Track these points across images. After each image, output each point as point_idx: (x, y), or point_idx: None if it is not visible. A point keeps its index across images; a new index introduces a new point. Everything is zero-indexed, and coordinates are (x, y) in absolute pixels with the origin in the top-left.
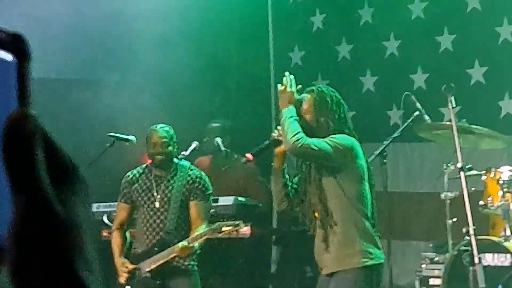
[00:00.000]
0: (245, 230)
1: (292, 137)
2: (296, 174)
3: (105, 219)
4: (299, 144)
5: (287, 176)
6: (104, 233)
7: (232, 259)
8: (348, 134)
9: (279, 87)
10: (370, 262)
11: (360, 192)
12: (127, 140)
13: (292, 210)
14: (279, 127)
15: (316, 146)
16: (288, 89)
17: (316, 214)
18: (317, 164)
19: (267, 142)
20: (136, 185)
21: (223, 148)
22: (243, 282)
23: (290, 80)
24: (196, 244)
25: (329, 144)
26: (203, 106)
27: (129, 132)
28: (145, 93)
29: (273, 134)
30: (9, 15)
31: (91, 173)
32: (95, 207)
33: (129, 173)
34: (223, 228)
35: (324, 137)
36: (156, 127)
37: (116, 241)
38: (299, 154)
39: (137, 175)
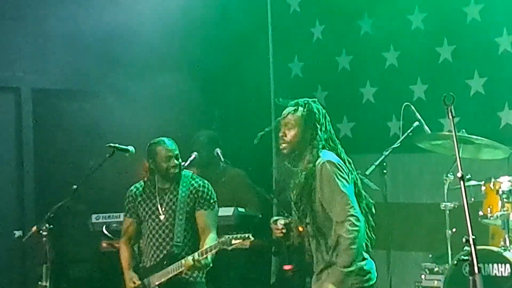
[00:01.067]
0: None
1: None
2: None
3: (104, 230)
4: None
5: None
6: (104, 244)
7: (231, 270)
8: (336, 148)
9: None
10: (370, 283)
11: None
12: (126, 150)
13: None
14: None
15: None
16: None
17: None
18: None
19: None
20: (140, 199)
21: (222, 159)
22: None
23: None
24: (208, 258)
25: (348, 196)
26: (202, 117)
27: (128, 143)
28: (144, 105)
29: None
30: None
31: (90, 183)
32: (94, 218)
33: (132, 187)
34: (233, 241)
35: (309, 151)
36: (163, 140)
37: (123, 255)
38: None
39: (140, 188)
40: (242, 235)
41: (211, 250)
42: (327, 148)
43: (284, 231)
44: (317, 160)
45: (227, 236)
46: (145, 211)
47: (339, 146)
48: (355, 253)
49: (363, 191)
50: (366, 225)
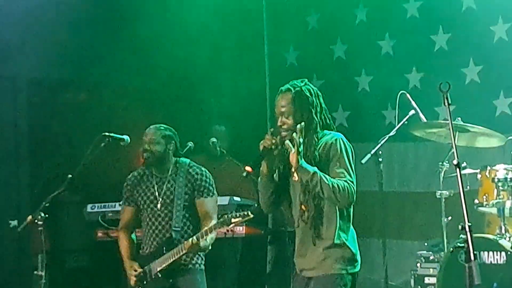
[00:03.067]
0: (241, 230)
1: (349, 197)
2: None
3: (100, 219)
4: (355, 197)
5: (276, 180)
6: (99, 234)
7: (227, 259)
8: (332, 127)
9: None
10: (354, 270)
11: None
12: (122, 139)
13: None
14: (268, 135)
15: (355, 182)
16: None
17: (303, 208)
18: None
19: (263, 152)
20: (138, 187)
21: (218, 148)
22: (239, 282)
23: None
24: (207, 240)
25: (351, 167)
26: (197, 107)
27: (124, 132)
28: (140, 94)
29: (263, 142)
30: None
31: (85, 173)
32: (89, 208)
33: (130, 176)
34: (233, 220)
35: (311, 133)
36: (150, 127)
37: (123, 244)
38: None
39: (138, 177)
40: (242, 213)
41: (211, 230)
42: (325, 128)
43: (274, 142)
44: (319, 143)
45: (226, 216)
46: (143, 200)
47: (332, 123)
48: (351, 195)
49: None
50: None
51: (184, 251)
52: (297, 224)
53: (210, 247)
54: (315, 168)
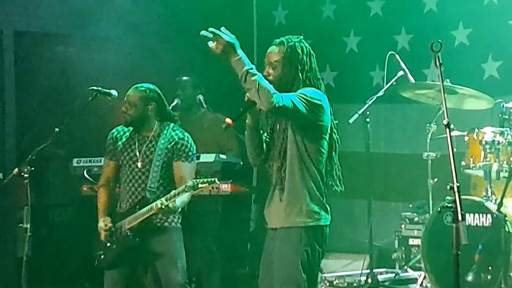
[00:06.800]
0: (226, 187)
1: (268, 97)
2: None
3: (85, 174)
4: (276, 105)
5: (261, 132)
6: (85, 188)
7: (211, 216)
8: (318, 87)
9: (210, 44)
10: (314, 223)
11: (317, 150)
12: (109, 94)
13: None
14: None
15: (293, 105)
16: (227, 38)
17: (277, 164)
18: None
19: (244, 106)
20: (120, 143)
21: (205, 105)
22: (222, 240)
23: (217, 34)
24: (178, 202)
25: (302, 101)
26: (181, 63)
27: (111, 87)
28: (122, 48)
29: (247, 95)
30: None
31: (72, 127)
32: (75, 162)
33: (114, 130)
34: (200, 185)
35: (293, 91)
36: (134, 86)
37: (100, 198)
38: (276, 114)
39: (121, 133)
40: (208, 179)
41: (177, 194)
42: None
43: None
44: None
45: (194, 180)
46: (123, 156)
47: (322, 86)
48: (275, 100)
49: (335, 130)
50: (330, 163)
51: (152, 212)
52: (272, 180)
53: (180, 209)
54: (253, 66)
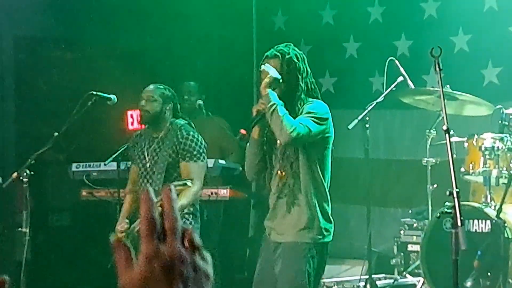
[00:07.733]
0: (225, 192)
1: (290, 131)
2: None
3: (84, 179)
4: (294, 137)
5: (265, 148)
6: (84, 193)
7: (210, 222)
8: (315, 91)
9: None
10: (325, 240)
11: (324, 162)
12: (109, 99)
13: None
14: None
15: (307, 131)
16: (275, 75)
17: (280, 174)
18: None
19: (257, 117)
20: (137, 146)
21: (204, 111)
22: (221, 246)
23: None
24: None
25: (313, 122)
26: (184, 69)
27: (111, 92)
28: (127, 54)
29: (256, 106)
30: None
31: (71, 132)
32: (74, 167)
33: (134, 134)
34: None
35: (296, 99)
36: (152, 84)
37: (124, 204)
38: (292, 145)
39: (139, 136)
40: (181, 182)
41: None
42: (310, 94)
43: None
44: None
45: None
46: (136, 159)
47: (316, 87)
48: (294, 132)
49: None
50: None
51: None
52: (273, 190)
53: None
54: (279, 101)
